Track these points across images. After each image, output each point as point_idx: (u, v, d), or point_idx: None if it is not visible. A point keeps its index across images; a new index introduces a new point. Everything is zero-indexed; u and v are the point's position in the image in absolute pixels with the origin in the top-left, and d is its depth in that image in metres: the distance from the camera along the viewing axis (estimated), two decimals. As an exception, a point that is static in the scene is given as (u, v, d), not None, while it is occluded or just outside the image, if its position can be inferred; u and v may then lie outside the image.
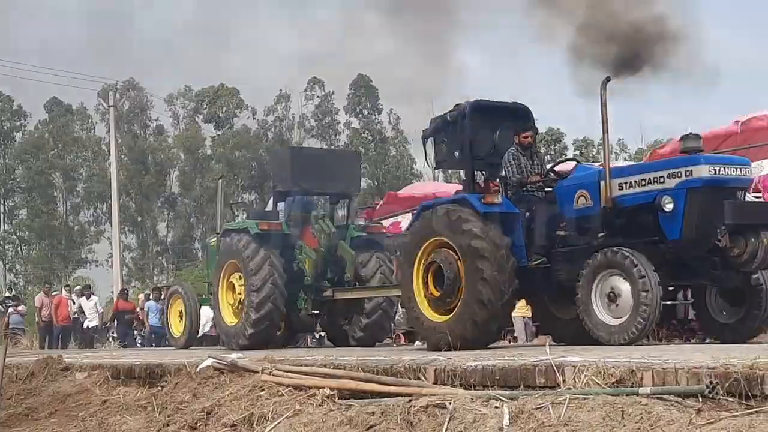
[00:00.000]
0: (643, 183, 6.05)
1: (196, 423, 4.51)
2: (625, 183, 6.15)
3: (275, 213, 9.11)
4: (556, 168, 7.15)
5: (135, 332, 17.88)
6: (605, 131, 6.31)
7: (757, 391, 3.28)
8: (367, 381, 4.08)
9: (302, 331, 10.41)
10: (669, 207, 5.72)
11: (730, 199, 5.89)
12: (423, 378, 4.21)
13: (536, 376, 3.85)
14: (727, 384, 3.37)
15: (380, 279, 8.63)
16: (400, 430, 3.82)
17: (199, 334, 11.23)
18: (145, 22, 76.85)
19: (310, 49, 55.60)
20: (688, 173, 5.78)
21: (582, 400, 3.57)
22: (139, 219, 47.74)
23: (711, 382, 3.39)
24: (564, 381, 3.73)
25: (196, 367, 5.24)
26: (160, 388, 5.53)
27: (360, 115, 48.61)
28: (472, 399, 3.78)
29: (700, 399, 3.38)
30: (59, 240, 46.53)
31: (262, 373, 4.51)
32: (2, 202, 47.99)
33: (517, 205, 6.61)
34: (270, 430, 4.08)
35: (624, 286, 5.64)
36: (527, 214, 6.66)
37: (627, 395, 3.51)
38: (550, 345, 6.21)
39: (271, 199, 9.63)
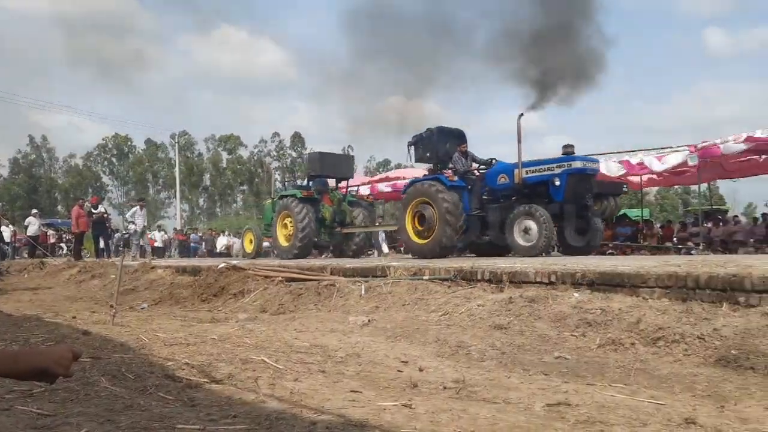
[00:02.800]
0: (541, 170, 9.74)
1: (216, 293, 8.12)
2: (530, 170, 9.87)
3: (308, 186, 14.11)
4: (484, 163, 11.01)
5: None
6: (519, 141, 9.88)
7: (474, 277, 6.44)
8: (299, 273, 7.55)
9: (321, 249, 15.57)
10: (557, 183, 9.45)
11: (592, 179, 9.73)
12: (325, 272, 7.65)
13: (377, 271, 7.24)
14: (461, 274, 6.61)
15: (362, 222, 13.96)
16: (314, 296, 7.21)
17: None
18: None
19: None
20: (568, 165, 9.48)
21: (397, 282, 6.78)
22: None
23: (455, 273, 6.65)
24: (390, 273, 7.11)
25: (217, 267, 8.87)
26: (199, 276, 9.19)
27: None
28: (348, 281, 7.17)
29: (450, 281, 6.54)
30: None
31: (249, 269, 8.08)
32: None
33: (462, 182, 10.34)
34: (252, 296, 7.67)
35: (533, 225, 9.19)
36: (469, 187, 10.34)
37: (418, 279, 6.75)
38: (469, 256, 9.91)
39: (306, 178, 14.68)
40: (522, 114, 9.73)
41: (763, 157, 14.49)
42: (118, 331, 5.31)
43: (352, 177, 15.54)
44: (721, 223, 17.34)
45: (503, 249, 9.98)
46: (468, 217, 9.98)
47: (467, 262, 7.37)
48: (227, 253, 27.04)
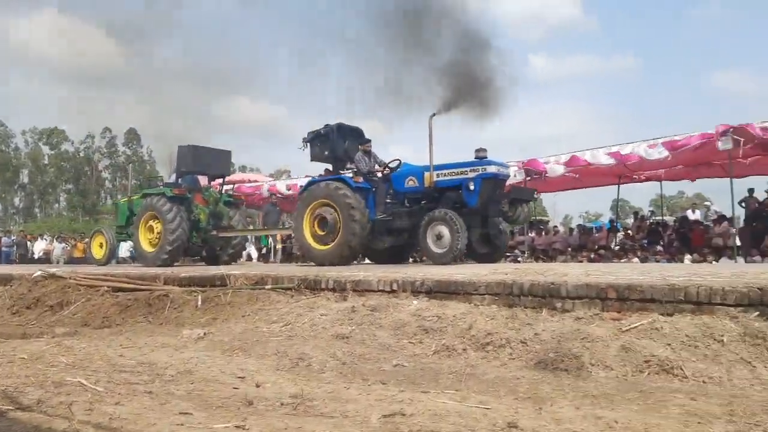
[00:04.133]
0: (455, 174, 9.34)
1: (30, 305, 7.24)
2: (442, 173, 9.46)
3: (177, 184, 12.61)
4: (389, 165, 10.39)
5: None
6: (430, 143, 9.44)
7: (318, 286, 6.37)
8: (128, 283, 6.99)
9: (193, 255, 13.95)
10: (471, 188, 9.08)
11: (503, 186, 9.49)
12: (158, 281, 7.18)
13: (216, 280, 6.94)
14: (305, 283, 6.54)
15: (241, 225, 13.15)
16: (145, 308, 6.74)
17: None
18: None
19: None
20: (483, 169, 9.15)
21: (237, 291, 6.56)
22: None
23: (298, 282, 6.58)
24: (230, 282, 6.85)
25: (31, 275, 7.91)
26: (10, 286, 8.13)
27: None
28: (183, 291, 6.78)
29: (294, 290, 6.45)
30: None
31: (69, 278, 7.31)
32: None
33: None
34: (73, 308, 6.95)
35: (446, 232, 8.82)
36: (374, 189, 9.88)
37: (260, 289, 6.61)
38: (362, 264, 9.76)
39: (174, 175, 13.04)
40: (434, 114, 9.27)
41: (578, 175, 16.20)
42: None
43: (228, 174, 14.19)
44: (543, 233, 19.07)
45: (403, 256, 9.78)
46: (372, 222, 9.49)
47: (312, 270, 7.31)
48: (46, 259, 24.42)
